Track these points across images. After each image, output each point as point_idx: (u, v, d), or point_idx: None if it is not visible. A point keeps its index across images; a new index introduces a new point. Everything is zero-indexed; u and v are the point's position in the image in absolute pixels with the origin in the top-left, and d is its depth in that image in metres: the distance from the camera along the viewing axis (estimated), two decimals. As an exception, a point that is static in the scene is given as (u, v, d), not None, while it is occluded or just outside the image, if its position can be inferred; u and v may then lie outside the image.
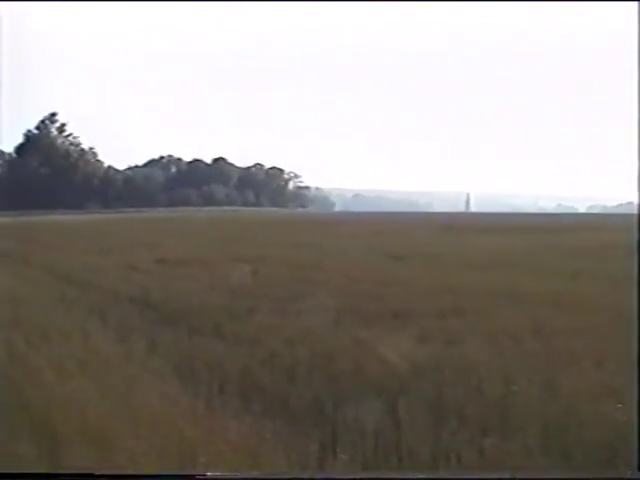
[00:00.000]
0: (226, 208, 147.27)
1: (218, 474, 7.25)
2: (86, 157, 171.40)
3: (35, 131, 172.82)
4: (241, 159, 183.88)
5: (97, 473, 7.76)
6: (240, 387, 10.86)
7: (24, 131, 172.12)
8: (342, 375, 11.31)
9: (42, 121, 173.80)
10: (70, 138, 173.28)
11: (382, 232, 52.27)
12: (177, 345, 13.63)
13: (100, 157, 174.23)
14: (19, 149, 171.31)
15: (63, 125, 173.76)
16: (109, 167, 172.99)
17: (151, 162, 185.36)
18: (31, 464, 7.47)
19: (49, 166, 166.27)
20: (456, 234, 49.89)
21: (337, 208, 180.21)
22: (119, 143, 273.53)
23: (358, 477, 8.13)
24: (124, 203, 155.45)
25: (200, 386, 10.42)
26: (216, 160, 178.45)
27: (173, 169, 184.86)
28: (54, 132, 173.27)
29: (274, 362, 12.47)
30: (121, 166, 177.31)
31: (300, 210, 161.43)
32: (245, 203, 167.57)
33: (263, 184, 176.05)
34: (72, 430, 8.08)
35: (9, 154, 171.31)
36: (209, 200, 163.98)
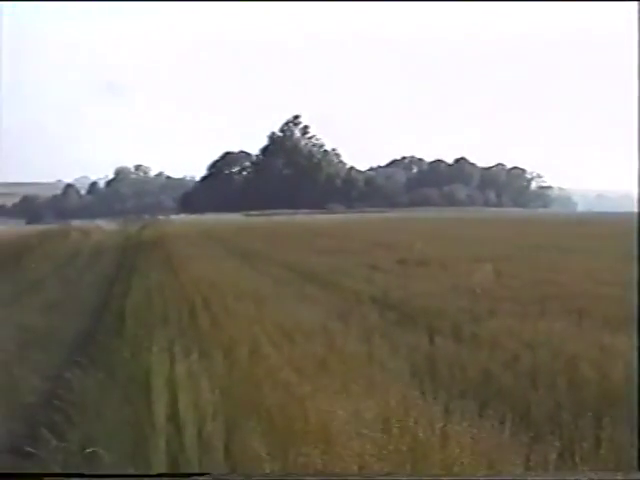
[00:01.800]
0: (467, 208, 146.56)
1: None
2: (329, 158, 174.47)
3: (279, 133, 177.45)
4: (483, 159, 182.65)
5: (92, 474, 7.87)
6: (479, 391, 10.72)
7: (269, 133, 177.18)
8: (585, 381, 10.99)
9: (286, 123, 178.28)
10: (313, 139, 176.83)
11: (627, 233, 50.54)
12: (417, 346, 13.60)
13: (342, 158, 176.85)
14: (264, 151, 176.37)
15: (306, 127, 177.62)
16: (351, 168, 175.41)
17: (393, 162, 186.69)
18: (263, 462, 7.57)
19: (293, 167, 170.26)
20: None
21: (579, 208, 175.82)
22: (361, 144, 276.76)
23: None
24: (366, 203, 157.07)
25: (438, 389, 10.34)
26: (457, 160, 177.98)
27: (414, 169, 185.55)
28: (297, 134, 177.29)
29: (514, 366, 12.25)
30: (363, 167, 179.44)
31: (542, 210, 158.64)
32: (486, 203, 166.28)
33: (505, 184, 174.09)
34: (308, 430, 8.15)
35: (256, 156, 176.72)
36: (450, 200, 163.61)
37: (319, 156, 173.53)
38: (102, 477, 8.03)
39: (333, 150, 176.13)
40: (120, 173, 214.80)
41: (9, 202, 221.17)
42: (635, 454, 8.22)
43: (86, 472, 8.20)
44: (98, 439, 8.98)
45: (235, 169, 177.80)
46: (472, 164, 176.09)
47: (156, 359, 11.67)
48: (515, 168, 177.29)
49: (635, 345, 11.34)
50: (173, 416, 9.00)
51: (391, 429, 8.10)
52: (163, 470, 8.00)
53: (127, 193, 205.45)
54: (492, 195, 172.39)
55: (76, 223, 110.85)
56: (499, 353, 13.10)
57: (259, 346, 12.31)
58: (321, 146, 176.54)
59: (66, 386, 12.13)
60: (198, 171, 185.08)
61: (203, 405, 9.15)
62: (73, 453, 8.94)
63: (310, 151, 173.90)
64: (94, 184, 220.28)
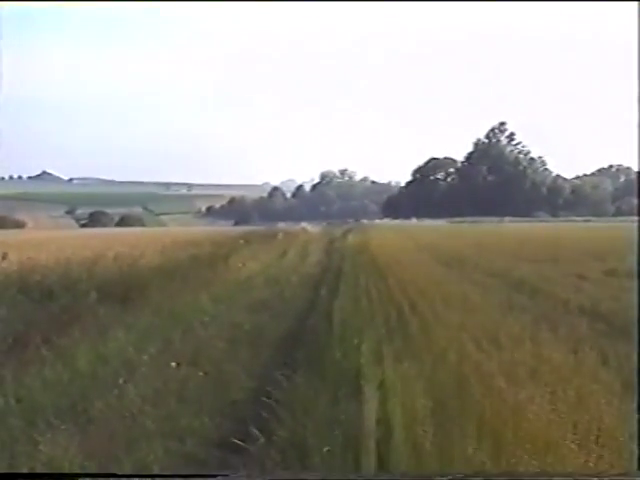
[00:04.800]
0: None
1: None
2: (534, 166, 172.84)
3: (485, 140, 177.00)
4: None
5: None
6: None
7: (474, 140, 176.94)
8: None
9: (492, 130, 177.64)
10: (519, 147, 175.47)
11: None
12: (628, 359, 13.27)
13: (548, 166, 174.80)
14: (469, 157, 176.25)
15: (512, 134, 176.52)
16: (557, 176, 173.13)
17: (600, 171, 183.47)
18: (476, 463, 7.57)
19: (498, 174, 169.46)
20: None
21: None
22: (567, 152, 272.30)
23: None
24: (571, 212, 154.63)
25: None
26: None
27: (622, 178, 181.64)
28: (503, 141, 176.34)
29: None
30: (569, 175, 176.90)
31: None
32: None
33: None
34: (521, 437, 8.09)
35: (461, 162, 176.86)
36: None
37: (525, 164, 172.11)
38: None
39: (540, 158, 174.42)
40: (326, 177, 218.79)
41: (217, 203, 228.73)
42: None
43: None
44: (307, 438, 9.11)
45: (440, 175, 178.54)
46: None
47: (365, 361, 11.78)
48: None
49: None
50: (383, 418, 9.05)
51: (604, 441, 7.97)
52: (371, 470, 8.06)
53: (332, 197, 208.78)
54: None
55: (282, 225, 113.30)
56: None
57: (468, 352, 12.29)
58: (527, 153, 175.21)
59: (273, 384, 12.32)
60: (402, 177, 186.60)
61: (413, 408, 9.18)
62: (281, 450, 9.09)
63: (516, 158, 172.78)
64: (300, 187, 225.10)
